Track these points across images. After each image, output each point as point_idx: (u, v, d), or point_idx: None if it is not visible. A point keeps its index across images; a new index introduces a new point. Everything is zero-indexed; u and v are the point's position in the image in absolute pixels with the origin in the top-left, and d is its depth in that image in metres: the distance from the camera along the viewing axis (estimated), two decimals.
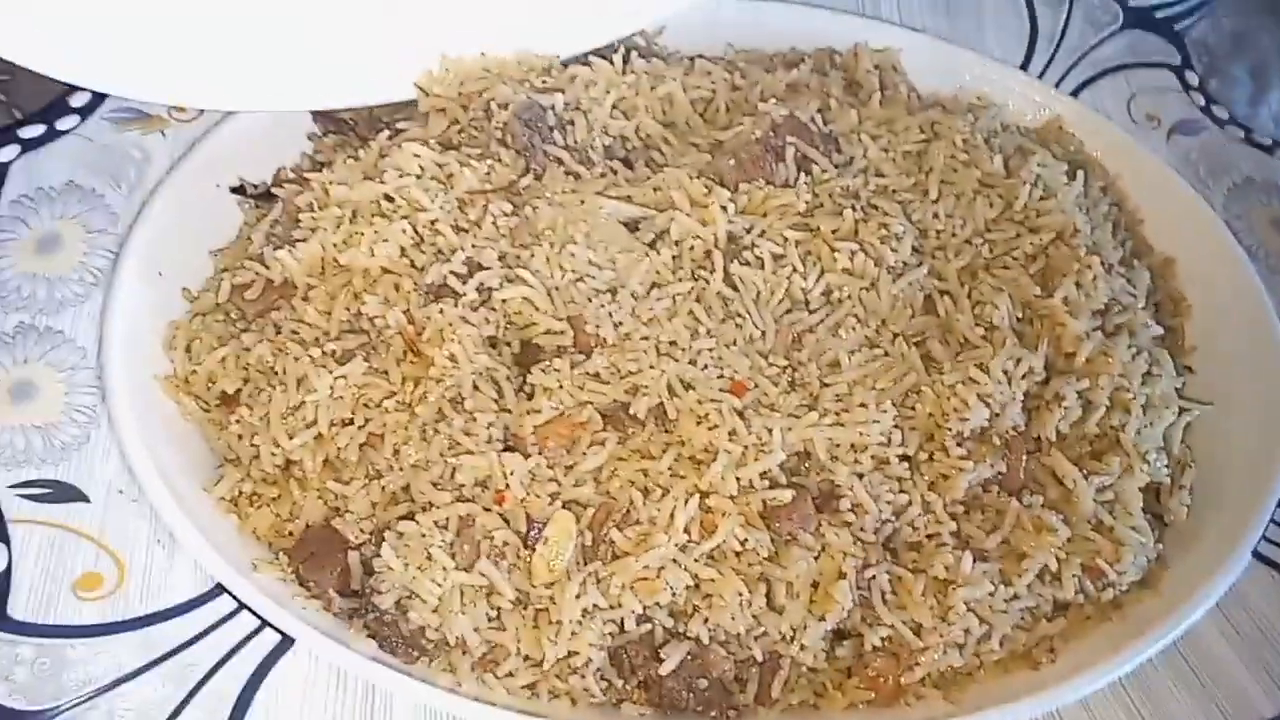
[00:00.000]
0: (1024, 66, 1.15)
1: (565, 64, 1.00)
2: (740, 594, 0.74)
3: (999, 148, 0.99)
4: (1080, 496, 0.82)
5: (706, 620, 0.74)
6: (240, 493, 0.80)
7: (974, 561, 0.78)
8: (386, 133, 0.95)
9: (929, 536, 0.80)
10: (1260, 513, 0.86)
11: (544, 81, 0.97)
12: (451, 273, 0.82)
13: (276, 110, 0.98)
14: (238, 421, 0.81)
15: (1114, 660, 0.78)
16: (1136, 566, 0.82)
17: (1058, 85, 1.14)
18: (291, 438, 0.78)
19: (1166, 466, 0.88)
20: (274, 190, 0.95)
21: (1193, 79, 1.17)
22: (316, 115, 1.01)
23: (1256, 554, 0.85)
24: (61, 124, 0.92)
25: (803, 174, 0.92)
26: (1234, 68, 1.23)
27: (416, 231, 0.85)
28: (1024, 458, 0.83)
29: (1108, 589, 0.81)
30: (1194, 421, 0.92)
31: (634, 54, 1.03)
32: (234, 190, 0.97)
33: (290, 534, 0.79)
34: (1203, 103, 1.14)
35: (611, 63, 0.99)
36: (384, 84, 0.98)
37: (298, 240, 0.86)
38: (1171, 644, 0.80)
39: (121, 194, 0.91)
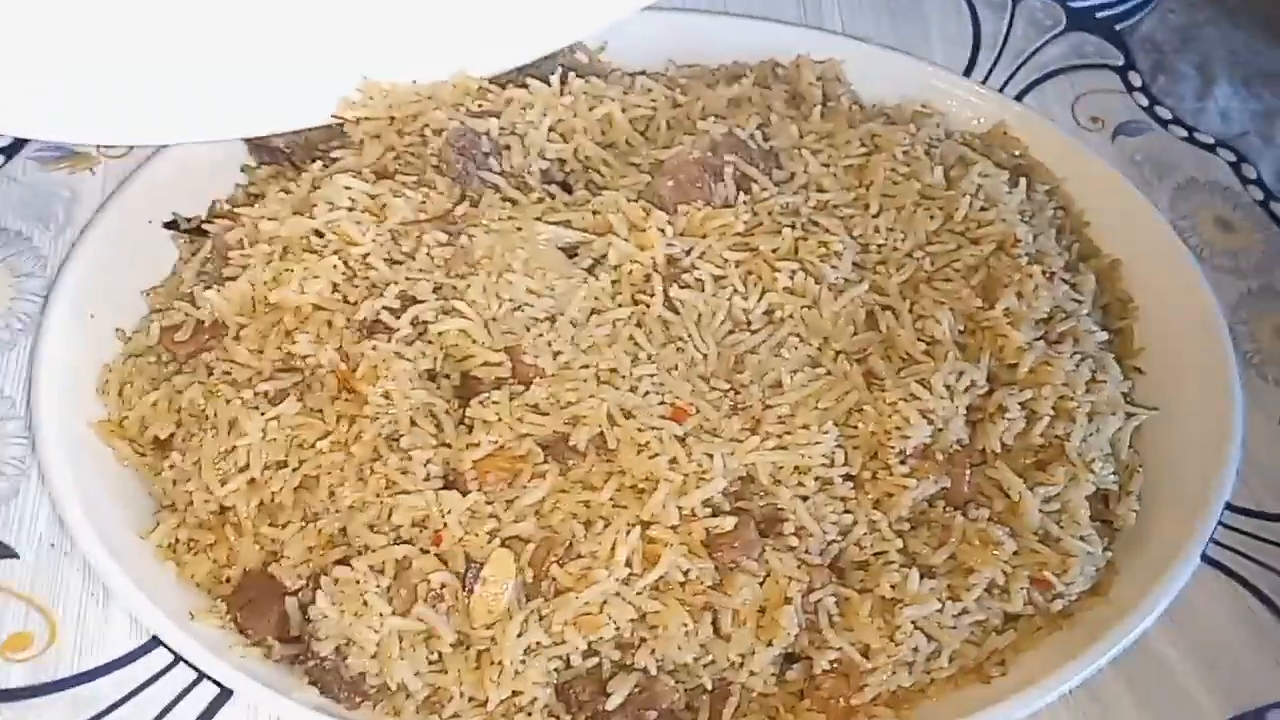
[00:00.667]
0: (968, 72, 1.15)
1: (501, 85, 1.00)
2: (685, 625, 0.73)
3: (940, 158, 0.99)
4: (1026, 508, 0.82)
5: (653, 651, 0.74)
6: (177, 539, 0.79)
7: (921, 578, 0.78)
8: (320, 163, 0.94)
9: (875, 555, 0.79)
10: (1208, 515, 0.86)
11: (479, 105, 0.96)
12: (385, 308, 0.81)
13: (206, 141, 0.96)
14: (171, 467, 0.80)
15: (1064, 671, 0.78)
16: (1085, 576, 0.82)
17: (1002, 89, 1.14)
18: (224, 483, 0.77)
19: (1114, 473, 0.88)
20: (206, 225, 0.94)
21: (1136, 80, 1.17)
22: (251, 145, 0.99)
23: (1205, 557, 0.85)
24: None
25: (742, 193, 0.92)
26: (1180, 63, 1.23)
27: (348, 266, 0.83)
28: (968, 471, 0.83)
29: (1056, 600, 0.81)
30: (1142, 426, 0.92)
31: (572, 74, 1.01)
32: (167, 225, 0.95)
33: (228, 580, 0.77)
34: (1146, 103, 1.14)
35: (549, 84, 0.98)
36: (314, 107, 0.97)
37: (228, 278, 0.85)
38: (1122, 653, 0.80)
39: (50, 235, 0.89)
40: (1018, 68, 1.16)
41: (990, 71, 1.15)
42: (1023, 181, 1.00)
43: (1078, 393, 0.87)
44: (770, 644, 0.74)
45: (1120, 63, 1.18)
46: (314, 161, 0.95)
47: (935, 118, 1.10)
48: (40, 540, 0.75)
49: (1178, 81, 1.21)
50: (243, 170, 0.98)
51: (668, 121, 1.01)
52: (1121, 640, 0.80)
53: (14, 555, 0.74)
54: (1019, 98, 1.14)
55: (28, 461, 0.78)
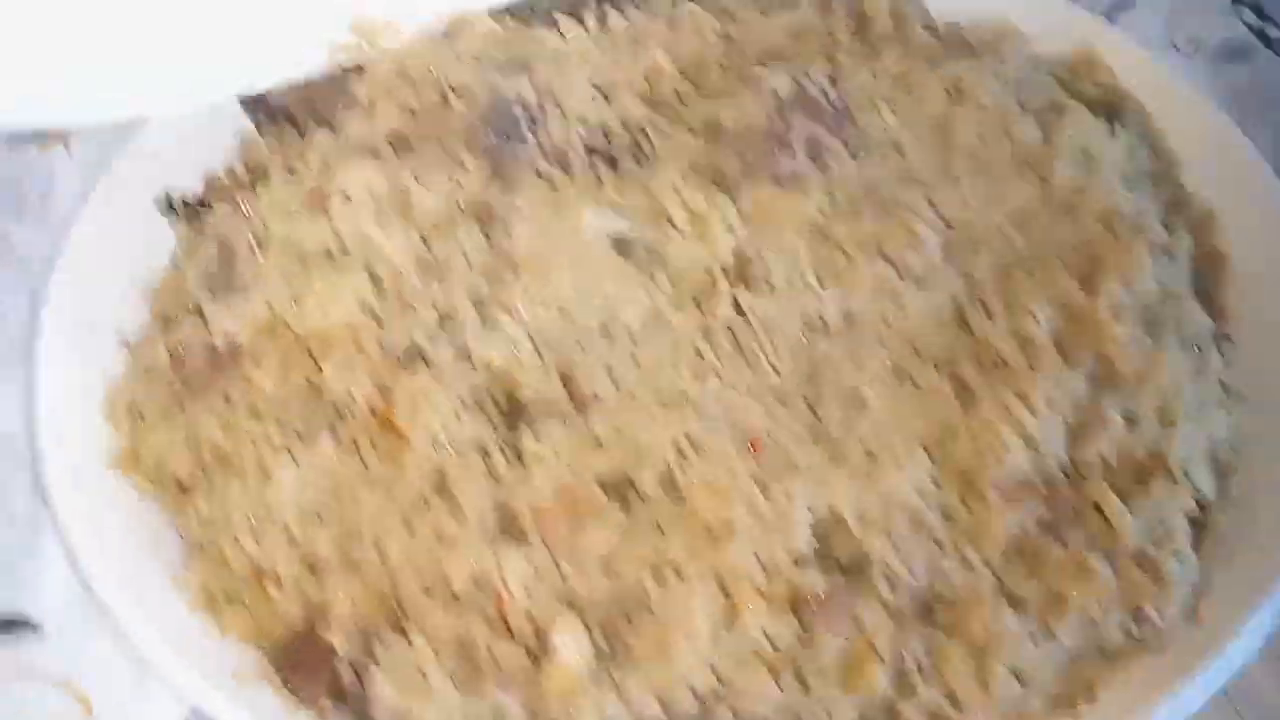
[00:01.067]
0: None
1: (525, 21, 0.86)
2: (767, 682, 0.68)
3: (1029, 104, 0.87)
4: (1124, 529, 0.76)
5: (732, 708, 0.69)
6: (212, 587, 0.73)
7: (1012, 613, 0.73)
8: (326, 130, 0.82)
9: (966, 591, 0.74)
10: None
11: (505, 58, 0.83)
12: (422, 332, 0.72)
13: (193, 106, 0.83)
14: (195, 514, 0.72)
15: (1158, 703, 0.74)
16: (1180, 600, 0.77)
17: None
18: (258, 541, 0.70)
19: (1211, 476, 0.82)
20: (203, 205, 0.82)
21: None
22: (244, 103, 0.86)
23: None
24: None
25: (813, 163, 0.81)
26: None
27: (374, 276, 0.73)
28: (1066, 495, 0.76)
29: (1150, 627, 0.76)
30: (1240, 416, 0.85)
31: (608, 7, 0.88)
32: (160, 208, 0.84)
33: (273, 633, 0.72)
34: (1255, 21, 1.01)
35: (584, 25, 0.85)
36: (304, 54, 0.84)
37: (237, 288, 0.75)
38: (1220, 686, 0.75)
39: (27, 230, 0.78)
40: None
41: None
42: (1121, 132, 0.89)
43: (1182, 394, 0.79)
44: (856, 696, 0.70)
45: None
46: (318, 125, 0.83)
47: (1018, 44, 0.97)
48: (64, 607, 0.68)
49: None
50: (236, 137, 0.85)
51: (720, 63, 0.88)
52: (1217, 671, 0.75)
53: (36, 628, 0.68)
54: (1108, 14, 1.00)
55: (38, 515, 0.71)
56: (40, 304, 0.76)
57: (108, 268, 0.80)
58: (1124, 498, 0.77)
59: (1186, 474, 0.78)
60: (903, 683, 0.72)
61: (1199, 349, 0.82)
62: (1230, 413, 0.83)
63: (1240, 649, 0.75)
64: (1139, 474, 0.79)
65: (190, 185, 0.85)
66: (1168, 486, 0.77)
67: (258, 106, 0.86)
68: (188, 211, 0.84)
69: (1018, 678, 0.72)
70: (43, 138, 0.79)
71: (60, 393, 0.75)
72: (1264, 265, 0.91)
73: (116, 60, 0.78)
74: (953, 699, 0.71)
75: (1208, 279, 0.92)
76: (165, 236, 0.84)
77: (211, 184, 0.85)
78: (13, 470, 0.71)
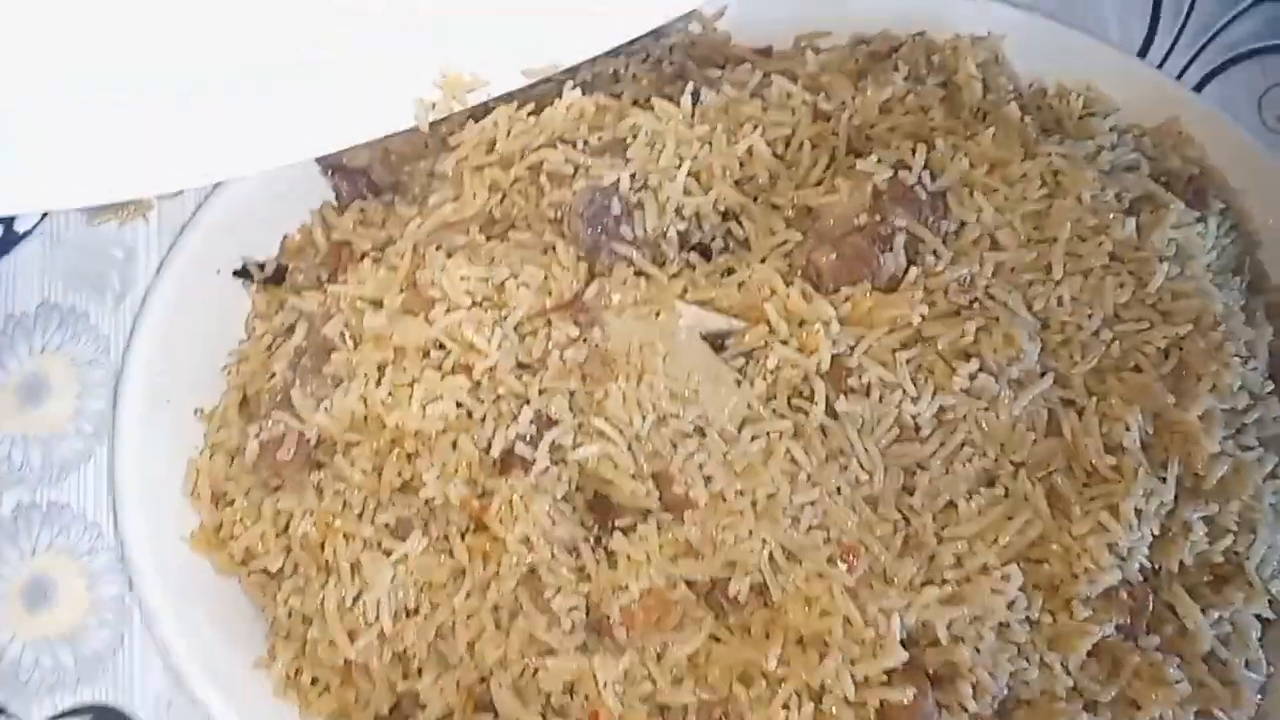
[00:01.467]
0: (1144, 51, 0.98)
1: (616, 96, 0.84)
2: None
3: (1127, 198, 0.86)
4: (1200, 635, 0.77)
5: None
6: (298, 670, 0.73)
7: (1088, 716, 0.74)
8: (415, 215, 0.80)
9: (1043, 692, 0.75)
10: None
11: (598, 139, 0.81)
12: (518, 437, 0.71)
13: (272, 168, 0.81)
14: (285, 604, 0.72)
15: None
16: (1250, 703, 0.79)
17: (1181, 75, 0.98)
18: (352, 639, 0.70)
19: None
20: (280, 274, 0.81)
21: None
22: (323, 166, 0.84)
23: None
24: (20, 225, 0.75)
25: (911, 264, 0.79)
26: None
27: (470, 375, 0.72)
28: (1149, 607, 0.77)
29: None
30: None
31: (705, 90, 0.85)
32: (237, 274, 0.82)
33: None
34: None
35: (677, 105, 0.82)
36: (385, 113, 0.82)
37: (329, 378, 0.74)
38: None
39: (107, 307, 0.76)
40: (1200, 49, 0.99)
41: (1170, 51, 0.98)
42: (1212, 222, 0.88)
43: (1264, 501, 0.79)
44: None
45: None
46: (400, 195, 0.81)
47: (1108, 116, 0.95)
48: (157, 701, 0.68)
49: None
50: (321, 207, 0.83)
51: (811, 139, 0.86)
52: None
53: None
54: (1199, 88, 0.98)
55: (127, 601, 0.70)
56: (120, 385, 0.75)
57: (184, 340, 0.78)
58: (1200, 602, 0.78)
59: (1265, 583, 0.79)
60: None
61: (1276, 449, 0.82)
62: None
63: None
64: (1216, 581, 0.80)
65: (267, 252, 0.83)
66: (1244, 591, 0.78)
67: (335, 170, 0.84)
68: (264, 279, 0.82)
69: None
70: (123, 210, 0.77)
71: (141, 473, 0.74)
72: None
73: (193, 125, 0.75)
74: None
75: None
76: (241, 304, 0.82)
77: (289, 250, 0.83)
78: (101, 557, 0.70)
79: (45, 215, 0.76)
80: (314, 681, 0.73)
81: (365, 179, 0.84)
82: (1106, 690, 0.75)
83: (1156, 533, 0.76)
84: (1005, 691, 0.73)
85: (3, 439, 0.72)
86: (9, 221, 0.75)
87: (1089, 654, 0.76)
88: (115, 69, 0.72)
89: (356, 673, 0.72)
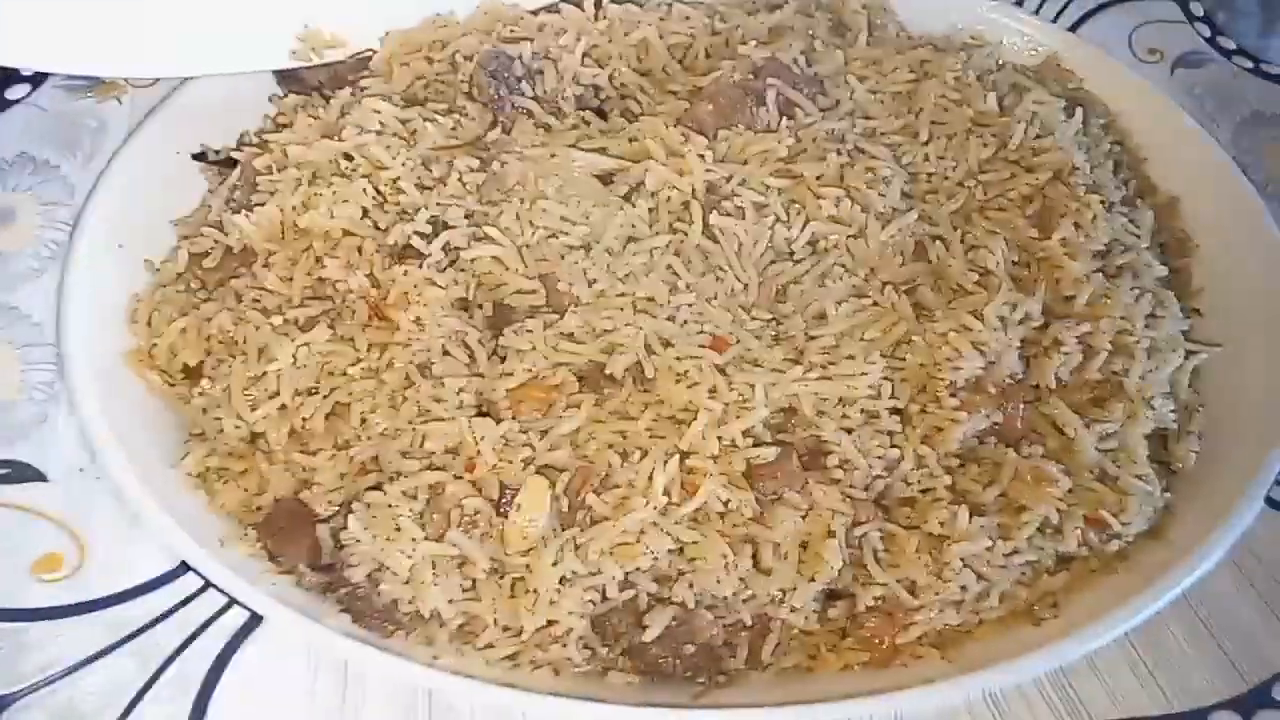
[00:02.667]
0: (1019, 2, 1.10)
1: (534, 13, 0.96)
2: (725, 556, 0.71)
3: (993, 85, 0.95)
4: (1081, 445, 0.78)
5: (691, 585, 0.71)
6: (207, 468, 0.78)
7: (970, 516, 0.75)
8: (348, 90, 0.92)
9: (923, 491, 0.77)
10: (1271, 457, 0.82)
11: (511, 31, 0.93)
12: (416, 233, 0.79)
13: (234, 72, 0.94)
14: (200, 394, 0.78)
15: (1118, 613, 0.75)
16: (1143, 516, 0.79)
17: (1055, 20, 1.09)
18: (254, 409, 0.75)
19: (1173, 412, 0.84)
20: (235, 155, 0.91)
21: (1197, 9, 1.11)
22: (279, 76, 0.97)
23: (1269, 500, 0.81)
24: (11, 93, 0.88)
25: (785, 118, 0.88)
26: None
27: (378, 191, 0.81)
28: (1021, 406, 0.79)
29: (1112, 541, 0.78)
30: (1203, 365, 0.88)
31: (607, 3, 0.98)
32: (195, 157, 0.93)
33: (259, 509, 0.76)
34: (1208, 34, 1.09)
35: (582, 9, 0.95)
36: (343, 42, 0.95)
37: (256, 205, 0.83)
38: (1181, 595, 0.76)
39: (77, 164, 0.88)
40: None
41: (1043, 2, 1.10)
42: (1079, 110, 0.96)
43: (1137, 327, 0.83)
44: (813, 579, 0.72)
45: None
46: (341, 89, 0.93)
47: (987, 48, 1.06)
48: (69, 466, 0.74)
49: (1239, 18, 1.15)
50: (270, 100, 0.95)
51: (706, 49, 0.97)
52: (1180, 583, 0.76)
53: (44, 479, 0.73)
54: (1073, 29, 1.09)
55: (56, 387, 0.77)
56: (79, 223, 0.85)
57: (141, 201, 0.88)
58: (1082, 418, 0.80)
59: (1147, 401, 0.81)
60: (859, 571, 0.74)
61: (1155, 296, 0.86)
62: (1190, 356, 0.86)
63: (1203, 562, 0.76)
64: (1097, 400, 0.82)
65: (223, 141, 0.94)
66: (1126, 408, 0.80)
67: (290, 77, 0.97)
68: (219, 161, 0.93)
69: (974, 572, 0.74)
70: (100, 88, 0.90)
71: (88, 294, 0.82)
72: (1229, 247, 0.96)
73: (172, 23, 0.89)
74: (910, 589, 0.73)
75: (1177, 260, 0.97)
76: (196, 184, 0.93)
77: (242, 140, 0.95)
78: (38, 350, 0.78)
79: (34, 88, 0.89)
80: (220, 473, 0.77)
81: (313, 87, 0.96)
82: (988, 492, 0.77)
83: (1024, 342, 0.80)
84: (876, 475, 0.75)
85: None
86: (1, 88, 0.88)
87: (969, 459, 0.79)
88: None
89: (259, 455, 0.77)
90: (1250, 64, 1.08)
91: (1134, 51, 1.08)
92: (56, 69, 0.86)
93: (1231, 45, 1.09)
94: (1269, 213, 0.96)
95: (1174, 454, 0.84)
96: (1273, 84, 1.06)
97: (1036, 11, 1.10)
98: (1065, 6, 1.10)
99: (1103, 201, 0.88)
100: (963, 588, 0.74)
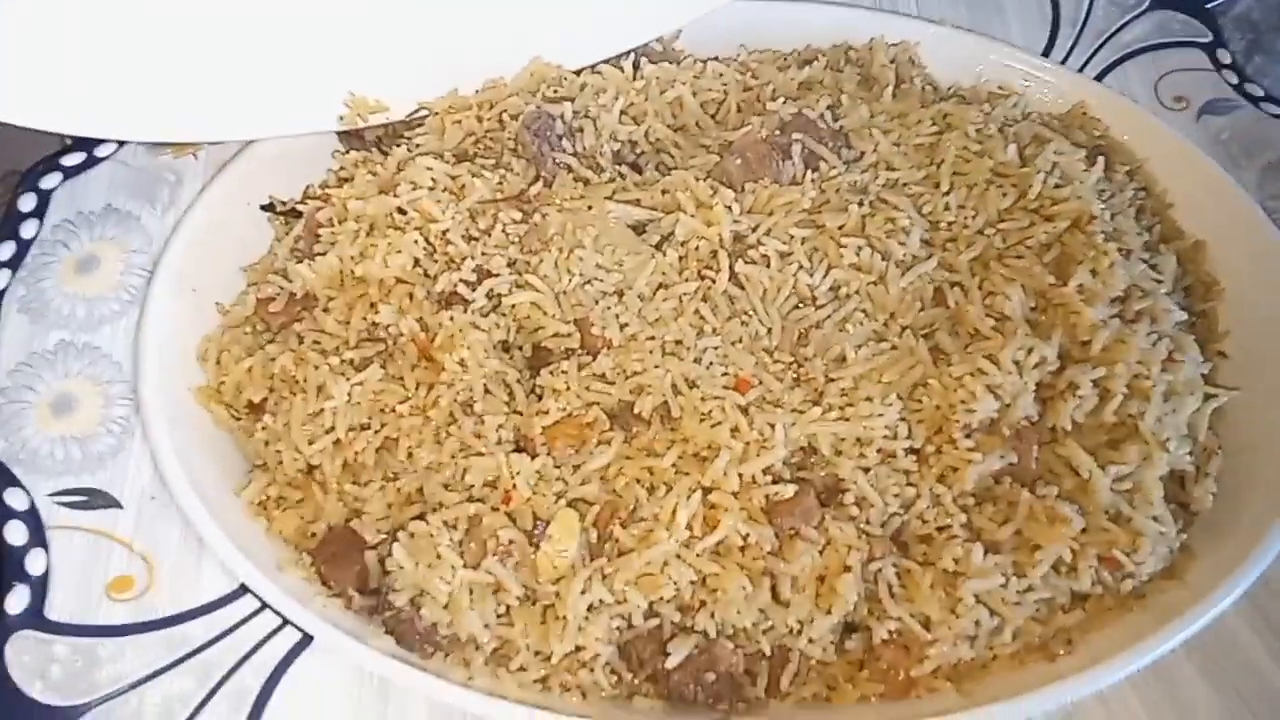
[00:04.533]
0: (1046, 52, 1.13)
1: (576, 72, 1.03)
2: (744, 588, 0.75)
3: (1015, 136, 0.98)
4: (1096, 486, 0.81)
5: (713, 615, 0.75)
6: (268, 496, 0.84)
7: (985, 553, 0.78)
8: (404, 147, 0.98)
9: (939, 529, 0.79)
10: None
11: (554, 91, 1.00)
12: (461, 280, 0.85)
13: (299, 134, 1.01)
14: (263, 428, 0.85)
15: (1132, 651, 0.77)
16: (1157, 557, 0.81)
17: (1082, 69, 1.12)
18: (311, 443, 0.81)
19: (1190, 454, 0.86)
20: (299, 207, 0.99)
21: (1225, 57, 1.13)
22: (341, 135, 1.04)
23: None
24: (100, 151, 0.97)
25: (810, 171, 0.93)
26: (1278, 43, 1.20)
27: (429, 242, 0.87)
28: (1036, 448, 0.82)
29: (1126, 580, 0.80)
30: (1225, 407, 0.89)
31: (645, 60, 1.04)
32: (264, 208, 1.01)
33: (313, 535, 0.82)
34: (1235, 80, 1.11)
35: (621, 70, 1.01)
36: (398, 102, 1.02)
37: (318, 254, 0.90)
38: (1195, 635, 0.78)
39: (156, 215, 0.95)
40: (1098, 47, 1.14)
41: (1070, 52, 1.13)
42: (1100, 160, 0.99)
43: (1153, 371, 0.85)
44: (829, 612, 0.75)
45: (1208, 39, 1.14)
46: (398, 147, 1.00)
47: (1012, 98, 1.09)
48: (142, 494, 0.80)
49: (1276, 61, 1.17)
50: (333, 156, 1.03)
51: (738, 104, 1.02)
52: (1195, 623, 0.78)
53: (119, 506, 0.80)
54: (1099, 78, 1.12)
55: (132, 421, 0.84)
56: (157, 269, 0.92)
57: (213, 249, 0.96)
58: (1097, 460, 0.82)
59: (1163, 444, 0.83)
60: (875, 605, 0.77)
61: (1173, 340, 0.88)
62: (1208, 399, 0.88)
63: (1218, 604, 0.78)
64: (1113, 442, 0.84)
65: (290, 193, 1.02)
66: (1141, 450, 0.82)
67: (352, 137, 1.04)
68: (285, 212, 1.00)
69: (988, 608, 0.76)
70: (177, 148, 0.98)
71: (163, 335, 0.89)
72: (1255, 292, 0.98)
73: (240, 90, 0.97)
74: (925, 623, 0.76)
75: (1203, 303, 0.99)
76: (264, 233, 1.00)
77: (307, 193, 1.02)
78: (117, 386, 0.85)
79: (120, 146, 0.97)
80: (279, 502, 0.84)
81: (373, 143, 1.03)
82: (1003, 530, 0.80)
83: (1040, 385, 0.83)
84: (892, 513, 0.79)
85: (59, 295, 0.89)
86: (92, 147, 0.97)
87: (986, 499, 0.82)
88: (191, 39, 0.94)
89: (314, 485, 0.83)
90: (1278, 110, 1.09)
91: (1160, 99, 1.11)
92: (123, 137, 0.95)
93: (1259, 92, 1.11)
94: None
95: (1192, 495, 0.86)
96: None
97: (1063, 61, 1.13)
98: (1092, 56, 1.13)
99: (1121, 249, 0.91)
100: (976, 623, 0.76)
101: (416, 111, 1.02)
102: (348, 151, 1.04)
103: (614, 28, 1.07)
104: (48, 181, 0.95)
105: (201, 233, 0.96)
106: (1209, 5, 1.18)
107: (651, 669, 0.76)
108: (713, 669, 0.75)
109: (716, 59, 1.11)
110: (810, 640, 0.76)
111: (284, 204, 1.01)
